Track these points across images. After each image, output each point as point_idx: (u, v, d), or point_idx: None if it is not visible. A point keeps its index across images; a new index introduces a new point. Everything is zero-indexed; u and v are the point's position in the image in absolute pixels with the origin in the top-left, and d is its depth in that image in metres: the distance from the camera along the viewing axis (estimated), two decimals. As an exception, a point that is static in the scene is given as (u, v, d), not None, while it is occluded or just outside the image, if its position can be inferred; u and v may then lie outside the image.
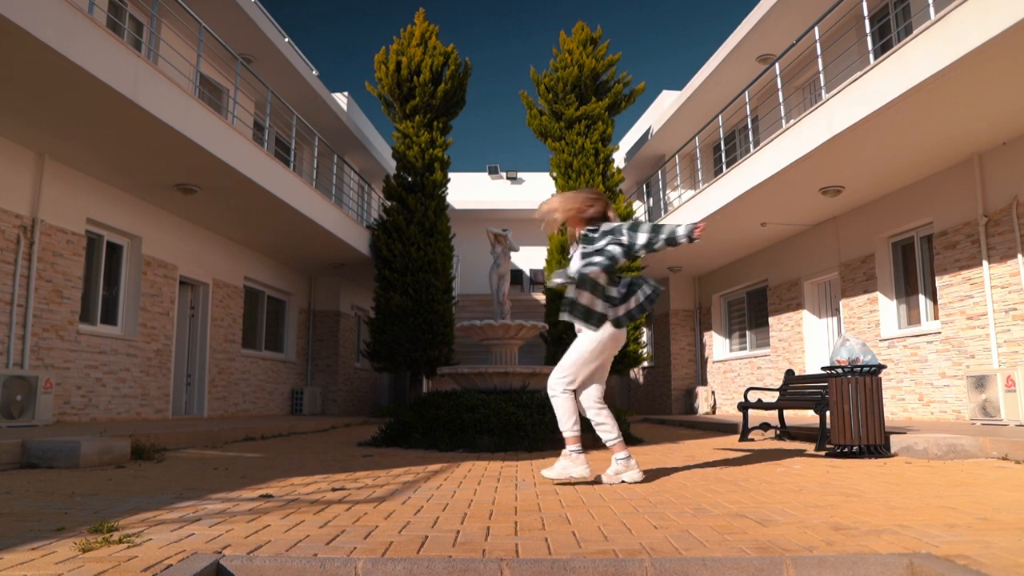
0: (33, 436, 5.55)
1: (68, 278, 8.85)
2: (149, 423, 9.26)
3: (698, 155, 14.23)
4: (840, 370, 6.11)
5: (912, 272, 10.15)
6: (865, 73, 7.64)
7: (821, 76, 9.42)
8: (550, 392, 4.06)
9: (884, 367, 6.26)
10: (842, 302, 11.32)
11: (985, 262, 8.37)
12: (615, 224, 4.13)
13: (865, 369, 6.00)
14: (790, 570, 2.16)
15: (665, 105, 17.02)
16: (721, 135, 13.37)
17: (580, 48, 14.42)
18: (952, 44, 6.33)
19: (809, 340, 12.46)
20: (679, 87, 16.56)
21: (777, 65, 10.63)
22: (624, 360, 13.73)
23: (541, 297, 18.68)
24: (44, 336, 8.43)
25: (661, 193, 16.65)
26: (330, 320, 16.67)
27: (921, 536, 2.56)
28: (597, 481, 4.13)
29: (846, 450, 6.00)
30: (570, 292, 4.07)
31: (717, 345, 16.09)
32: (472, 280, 20.84)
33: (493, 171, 23.85)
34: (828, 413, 6.61)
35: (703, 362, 16.63)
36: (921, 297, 9.94)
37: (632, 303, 4.09)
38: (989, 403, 7.75)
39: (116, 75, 6.90)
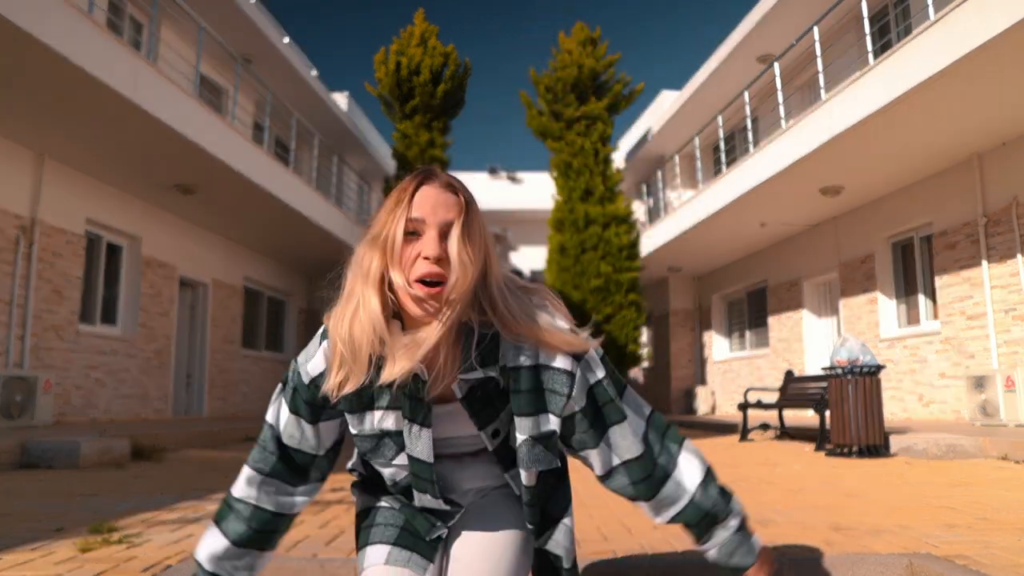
0: (33, 436, 5.55)
1: (68, 278, 8.84)
2: (149, 423, 9.25)
3: (698, 155, 14.22)
4: (840, 370, 6.11)
5: (912, 272, 10.15)
6: (865, 73, 7.64)
7: (821, 76, 9.42)
8: None
9: (883, 367, 6.26)
10: (842, 302, 11.31)
11: (985, 262, 8.36)
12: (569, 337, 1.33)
13: (864, 369, 6.00)
14: (791, 570, 2.16)
15: (665, 105, 17.01)
16: (721, 135, 13.36)
17: (579, 48, 14.41)
18: (952, 44, 6.33)
19: (809, 340, 12.46)
20: (679, 87, 16.55)
21: (777, 65, 10.63)
22: (624, 360, 13.72)
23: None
24: (44, 336, 8.42)
25: (661, 193, 16.64)
26: (330, 320, 16.62)
27: (921, 536, 2.56)
28: None
29: (846, 450, 6.00)
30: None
31: (717, 345, 16.08)
32: (471, 280, 20.79)
33: (493, 171, 23.88)
34: (828, 413, 6.61)
35: (703, 362, 16.62)
36: (921, 297, 9.94)
37: None
38: (989, 403, 7.75)
39: (116, 75, 6.90)
